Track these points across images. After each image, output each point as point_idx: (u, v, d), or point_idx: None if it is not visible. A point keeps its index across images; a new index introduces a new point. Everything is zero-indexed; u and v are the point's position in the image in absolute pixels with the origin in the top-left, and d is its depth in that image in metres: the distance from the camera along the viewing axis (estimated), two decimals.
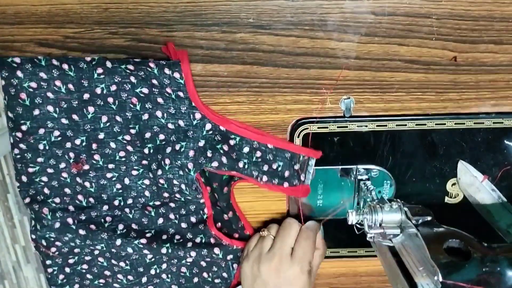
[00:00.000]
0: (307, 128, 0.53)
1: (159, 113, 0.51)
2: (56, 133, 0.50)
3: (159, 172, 0.52)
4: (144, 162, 0.53)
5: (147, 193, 0.55)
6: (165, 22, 0.48)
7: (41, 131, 0.50)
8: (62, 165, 0.52)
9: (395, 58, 0.50)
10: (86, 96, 0.50)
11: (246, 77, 0.51)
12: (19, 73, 0.48)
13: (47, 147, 0.51)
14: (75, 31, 0.48)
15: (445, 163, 0.55)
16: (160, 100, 0.50)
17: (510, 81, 0.52)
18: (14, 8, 0.47)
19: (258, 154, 0.53)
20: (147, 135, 0.52)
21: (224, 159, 0.51)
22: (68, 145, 0.51)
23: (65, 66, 0.48)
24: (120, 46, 0.49)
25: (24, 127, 0.50)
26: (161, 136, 0.52)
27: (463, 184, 0.55)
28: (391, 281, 0.46)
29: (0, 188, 0.59)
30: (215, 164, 0.51)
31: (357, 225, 0.49)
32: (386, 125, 0.53)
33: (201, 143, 0.51)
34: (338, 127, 0.53)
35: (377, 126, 0.53)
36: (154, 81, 0.49)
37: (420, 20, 0.48)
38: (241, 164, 0.52)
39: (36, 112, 0.49)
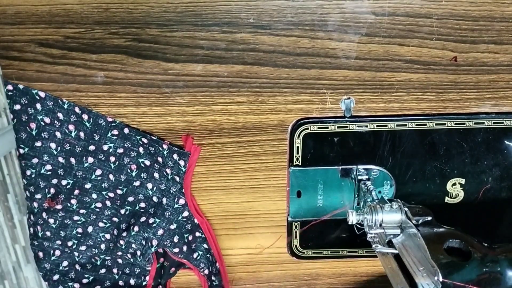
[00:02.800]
0: (307, 128, 0.53)
1: (149, 185, 0.53)
2: (48, 167, 0.51)
3: (124, 234, 0.54)
4: (115, 219, 0.54)
5: (102, 246, 0.55)
6: (165, 22, 0.48)
7: (35, 160, 0.51)
8: (38, 196, 0.52)
9: (395, 58, 0.50)
10: (91, 147, 0.51)
11: (246, 77, 0.51)
12: (38, 106, 0.49)
13: (33, 176, 0.51)
14: (75, 31, 0.48)
15: (445, 163, 0.55)
16: (156, 175, 0.53)
17: (510, 81, 0.52)
18: (15, 8, 0.47)
19: (210, 256, 0.58)
20: (130, 199, 0.54)
21: (184, 248, 0.56)
22: (54, 181, 0.52)
23: (85, 117, 0.50)
24: (120, 46, 0.49)
25: (21, 151, 0.50)
26: (142, 204, 0.54)
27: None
28: (391, 281, 0.46)
29: (0, 188, 0.59)
30: (176, 250, 0.55)
31: (357, 225, 0.49)
32: (386, 125, 0.53)
33: (173, 226, 0.55)
34: (338, 127, 0.53)
35: (377, 126, 0.53)
36: (159, 159, 0.53)
37: (420, 20, 0.48)
38: (195, 255, 0.56)
39: (38, 144, 0.50)
